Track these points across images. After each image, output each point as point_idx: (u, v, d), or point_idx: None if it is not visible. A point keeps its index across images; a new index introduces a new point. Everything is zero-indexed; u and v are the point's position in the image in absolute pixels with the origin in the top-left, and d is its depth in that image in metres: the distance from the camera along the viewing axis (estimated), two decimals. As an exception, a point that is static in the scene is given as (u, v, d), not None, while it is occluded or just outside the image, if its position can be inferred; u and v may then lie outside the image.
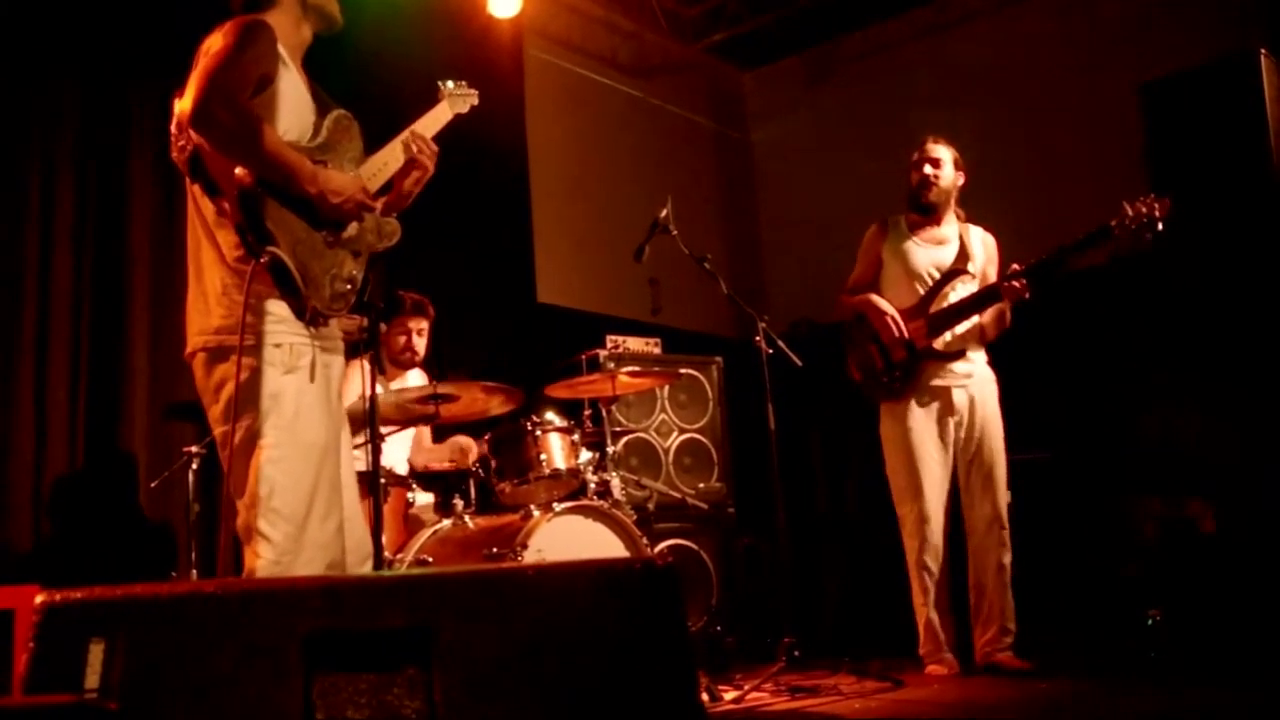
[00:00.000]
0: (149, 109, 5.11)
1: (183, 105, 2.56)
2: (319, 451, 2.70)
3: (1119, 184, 5.03)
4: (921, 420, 4.53)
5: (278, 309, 2.66)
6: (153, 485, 4.74)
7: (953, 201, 4.72)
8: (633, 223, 5.14)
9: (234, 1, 2.87)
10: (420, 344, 5.07)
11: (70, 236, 4.92)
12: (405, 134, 3.03)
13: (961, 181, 4.72)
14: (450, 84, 3.32)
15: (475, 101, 3.38)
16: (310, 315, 2.68)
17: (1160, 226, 4.19)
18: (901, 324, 4.57)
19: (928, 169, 4.66)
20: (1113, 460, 5.76)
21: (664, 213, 4.71)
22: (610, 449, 4.82)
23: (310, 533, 2.64)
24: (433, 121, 3.19)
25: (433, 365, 5.32)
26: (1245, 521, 5.06)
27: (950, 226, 4.69)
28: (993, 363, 4.66)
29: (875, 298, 4.68)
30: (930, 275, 4.62)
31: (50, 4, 4.94)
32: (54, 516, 4.68)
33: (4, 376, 4.61)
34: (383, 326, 4.93)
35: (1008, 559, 4.44)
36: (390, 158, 2.98)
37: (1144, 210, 4.21)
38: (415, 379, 5.14)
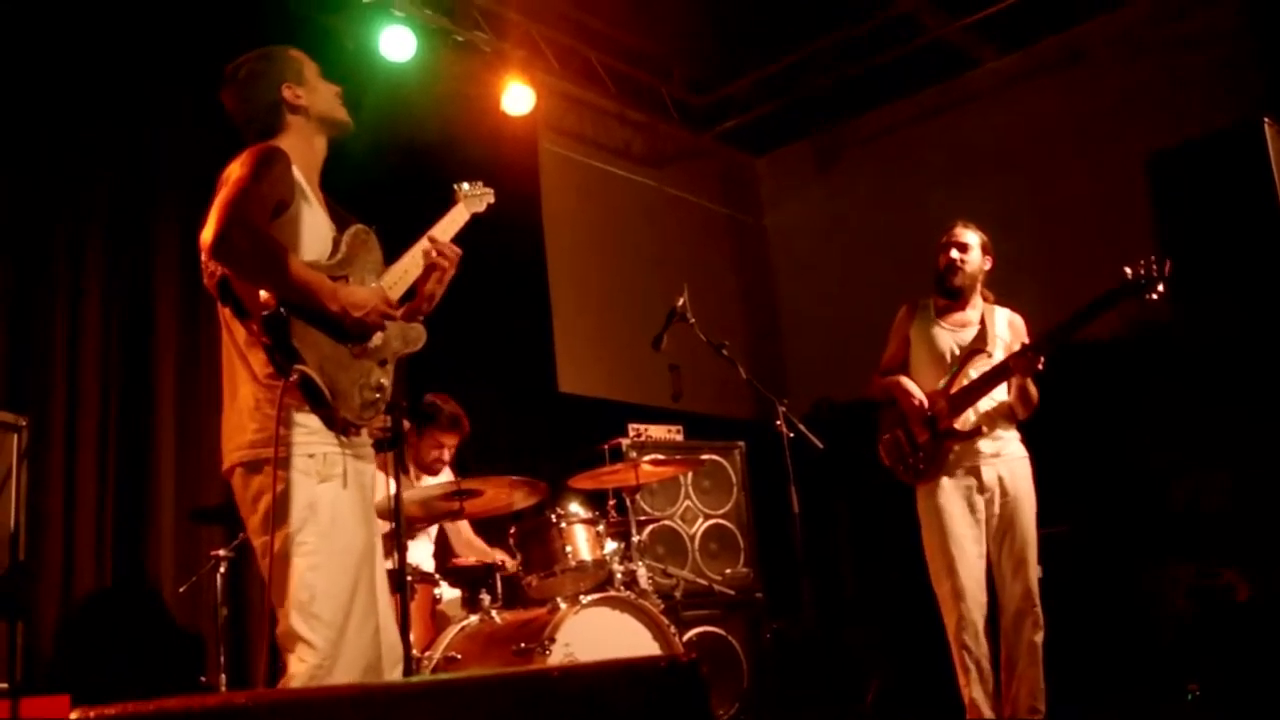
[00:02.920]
0: (172, 223, 5.25)
1: (204, 235, 2.64)
2: (356, 557, 2.74)
3: (1131, 253, 5.05)
4: (953, 498, 4.53)
5: (309, 420, 2.71)
6: (180, 590, 4.76)
7: (979, 285, 4.75)
8: (651, 310, 5.19)
9: (248, 133, 2.97)
10: (448, 456, 5.11)
11: (97, 346, 5.03)
12: (424, 240, 3.08)
13: (989, 266, 4.75)
14: (466, 185, 3.38)
15: (491, 200, 3.44)
16: (341, 426, 2.74)
17: (1163, 287, 4.21)
18: (926, 404, 4.59)
19: (955, 254, 4.69)
20: (1144, 530, 5.71)
21: (681, 301, 4.75)
22: (635, 538, 4.82)
23: (349, 637, 2.67)
24: (450, 224, 3.24)
25: (456, 460, 5.34)
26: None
27: (975, 309, 4.72)
28: (1026, 441, 4.64)
29: (904, 379, 4.70)
30: (952, 357, 4.64)
31: (77, 125, 5.11)
32: (82, 623, 4.70)
33: (33, 483, 4.65)
34: (407, 423, 4.96)
35: (1039, 638, 4.38)
36: (410, 265, 3.03)
37: (1143, 271, 4.24)
38: (442, 474, 5.17)
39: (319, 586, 2.65)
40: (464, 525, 5.28)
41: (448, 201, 3.35)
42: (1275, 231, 5.05)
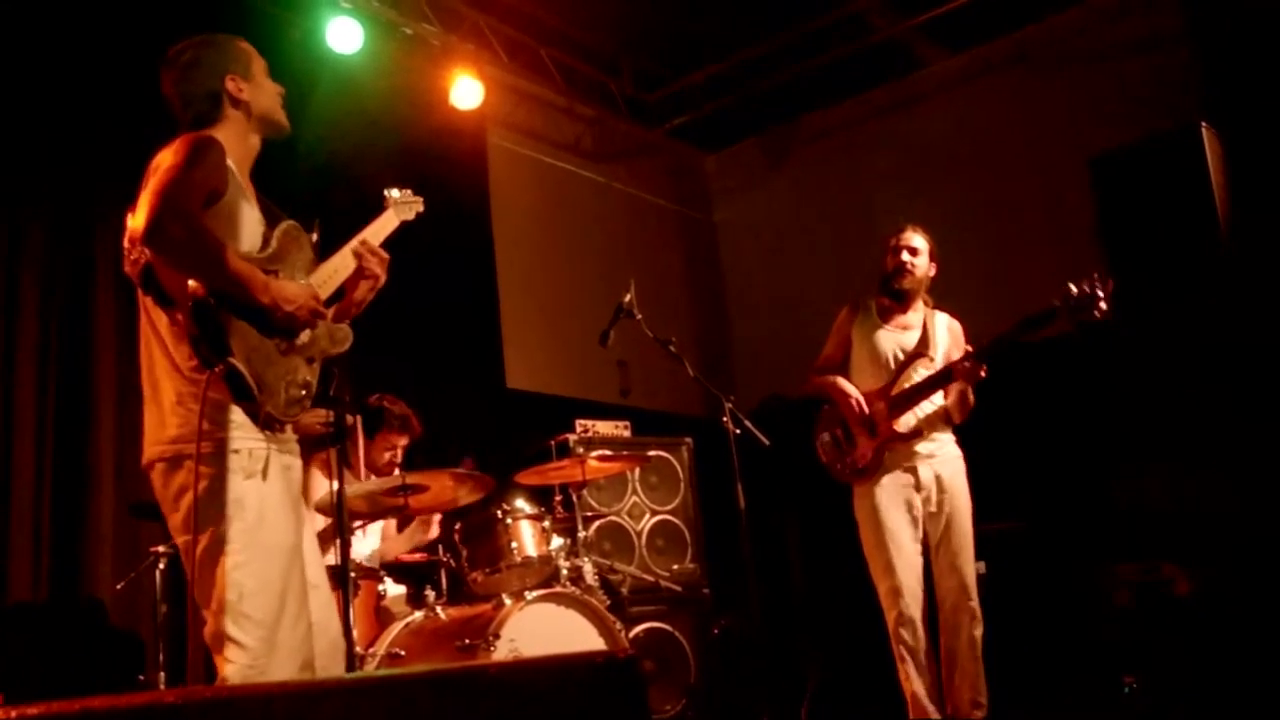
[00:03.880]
0: (113, 216, 5.14)
1: (135, 221, 2.59)
2: (285, 554, 2.69)
3: (1075, 255, 5.14)
4: (889, 497, 4.58)
5: (234, 415, 2.66)
6: (119, 587, 4.69)
7: (924, 289, 4.79)
8: (600, 306, 5.18)
9: (182, 119, 2.92)
10: (400, 458, 5.08)
11: (35, 338, 4.94)
12: (354, 242, 3.06)
13: (934, 272, 4.79)
14: (395, 192, 3.35)
15: (420, 209, 3.42)
16: (266, 420, 2.69)
17: (1104, 305, 4.25)
18: (865, 406, 4.63)
19: (905, 257, 4.72)
20: (1086, 527, 5.79)
21: (627, 297, 4.74)
22: (582, 534, 4.82)
23: (283, 635, 2.62)
24: (379, 229, 3.21)
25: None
26: (1220, 584, 5.08)
27: (917, 313, 4.77)
28: (961, 443, 4.69)
29: (840, 380, 4.74)
30: (895, 360, 4.68)
31: (14, 117, 5.02)
32: (18, 620, 4.62)
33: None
34: (353, 421, 4.92)
35: (978, 632, 4.45)
36: (340, 265, 3.01)
37: (1087, 289, 4.28)
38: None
39: (247, 585, 2.60)
40: (391, 527, 5.24)
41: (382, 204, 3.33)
42: (1213, 232, 5.15)
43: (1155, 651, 4.97)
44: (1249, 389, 5.06)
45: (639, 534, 6.19)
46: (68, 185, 5.20)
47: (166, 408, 2.70)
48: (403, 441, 5.05)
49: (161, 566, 4.35)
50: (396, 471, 5.11)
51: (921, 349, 4.66)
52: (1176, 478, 5.40)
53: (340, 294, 3.03)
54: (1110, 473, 5.77)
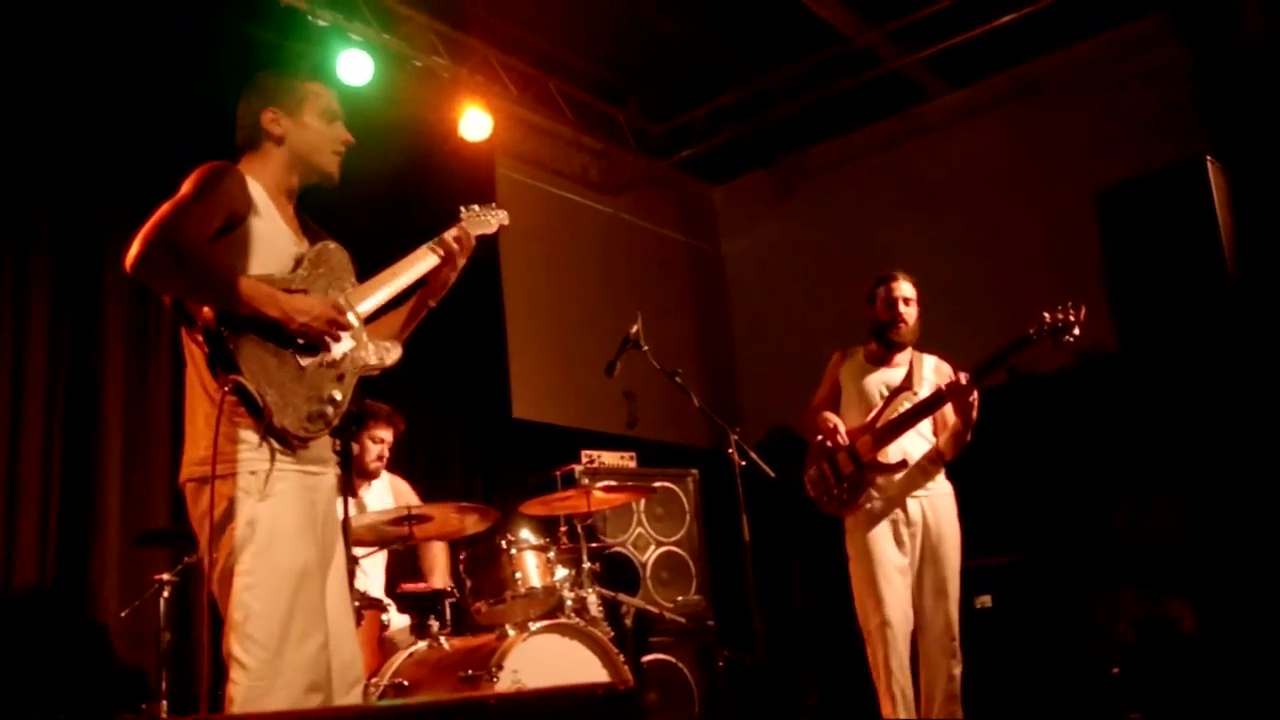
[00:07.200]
0: (122, 238, 5.16)
1: (129, 254, 2.61)
2: (296, 577, 2.69)
3: (1080, 288, 5.12)
4: (880, 530, 4.57)
5: (253, 436, 2.67)
6: (123, 614, 4.69)
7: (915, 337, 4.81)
8: (607, 336, 5.18)
9: (238, 141, 2.97)
10: (385, 454, 5.07)
11: (44, 364, 4.96)
12: (420, 250, 3.14)
13: (918, 312, 4.82)
14: (476, 206, 3.42)
15: (505, 221, 3.50)
16: (281, 438, 2.69)
17: (1078, 331, 4.30)
18: (844, 434, 4.63)
19: (902, 308, 4.73)
20: (1087, 559, 5.76)
21: (634, 329, 4.75)
22: (586, 565, 4.81)
23: (287, 656, 2.62)
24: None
25: (408, 479, 5.30)
26: (1224, 617, 5.05)
27: (904, 354, 4.78)
28: (962, 476, 4.68)
29: (826, 412, 4.75)
30: (880, 396, 4.70)
31: (24, 135, 5.06)
32: (23, 648, 4.61)
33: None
34: (358, 450, 4.93)
35: (958, 670, 4.43)
36: (399, 277, 3.04)
37: (1061, 316, 4.35)
38: (382, 489, 5.11)
39: (254, 607, 2.60)
40: (440, 549, 5.22)
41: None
42: (1218, 265, 5.15)
43: (1160, 687, 4.94)
44: (1253, 421, 5.05)
45: (644, 565, 6.17)
46: (76, 209, 5.21)
47: (199, 430, 2.72)
48: (387, 434, 5.04)
49: (166, 594, 4.35)
50: (385, 478, 5.11)
51: (906, 384, 4.67)
52: (1179, 511, 5.38)
53: (389, 309, 3.06)
54: (1112, 506, 5.75)
